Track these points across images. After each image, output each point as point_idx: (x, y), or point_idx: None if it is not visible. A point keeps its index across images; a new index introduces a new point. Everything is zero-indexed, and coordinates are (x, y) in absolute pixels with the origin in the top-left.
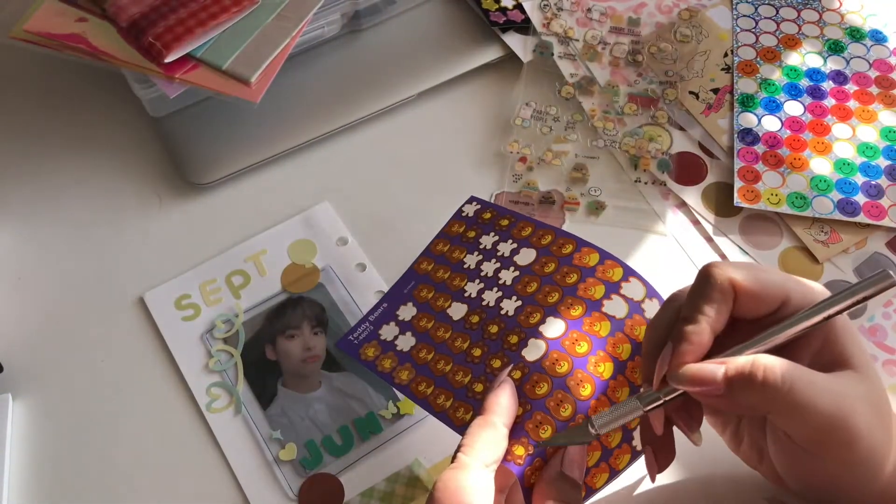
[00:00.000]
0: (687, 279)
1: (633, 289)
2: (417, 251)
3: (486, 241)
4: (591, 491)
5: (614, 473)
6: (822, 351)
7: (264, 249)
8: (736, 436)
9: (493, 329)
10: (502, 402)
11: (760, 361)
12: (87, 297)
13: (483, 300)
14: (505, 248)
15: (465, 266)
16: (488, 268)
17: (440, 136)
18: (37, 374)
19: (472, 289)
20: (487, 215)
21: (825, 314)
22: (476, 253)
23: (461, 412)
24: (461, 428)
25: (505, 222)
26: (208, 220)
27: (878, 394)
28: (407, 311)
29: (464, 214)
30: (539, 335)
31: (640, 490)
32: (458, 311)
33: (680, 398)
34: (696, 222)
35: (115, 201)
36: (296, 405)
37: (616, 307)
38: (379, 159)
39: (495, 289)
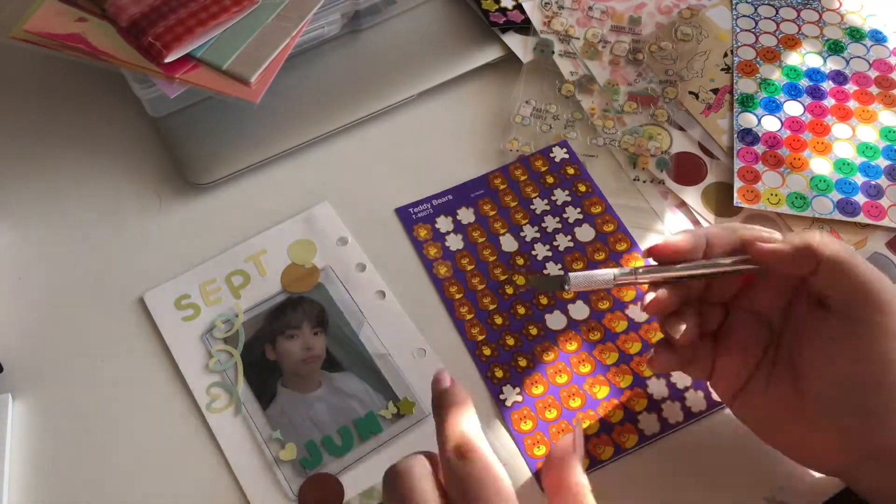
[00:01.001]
0: None
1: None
2: (418, 251)
3: (560, 195)
4: (596, 462)
5: (619, 450)
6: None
7: (264, 249)
8: (743, 399)
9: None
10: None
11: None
12: (87, 297)
13: (534, 250)
14: (571, 213)
15: (532, 207)
16: (550, 222)
17: (440, 136)
18: (37, 374)
19: (528, 232)
20: (571, 171)
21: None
22: (546, 202)
23: (476, 331)
24: (471, 343)
25: (583, 188)
26: (208, 220)
27: None
28: (466, 216)
29: (552, 156)
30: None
31: (640, 491)
32: (509, 243)
33: (653, 280)
34: (695, 222)
35: (115, 201)
36: (296, 405)
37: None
38: (379, 159)
39: (548, 246)
